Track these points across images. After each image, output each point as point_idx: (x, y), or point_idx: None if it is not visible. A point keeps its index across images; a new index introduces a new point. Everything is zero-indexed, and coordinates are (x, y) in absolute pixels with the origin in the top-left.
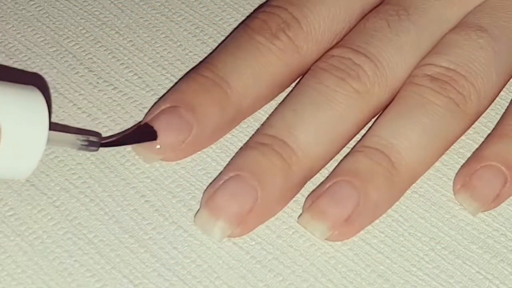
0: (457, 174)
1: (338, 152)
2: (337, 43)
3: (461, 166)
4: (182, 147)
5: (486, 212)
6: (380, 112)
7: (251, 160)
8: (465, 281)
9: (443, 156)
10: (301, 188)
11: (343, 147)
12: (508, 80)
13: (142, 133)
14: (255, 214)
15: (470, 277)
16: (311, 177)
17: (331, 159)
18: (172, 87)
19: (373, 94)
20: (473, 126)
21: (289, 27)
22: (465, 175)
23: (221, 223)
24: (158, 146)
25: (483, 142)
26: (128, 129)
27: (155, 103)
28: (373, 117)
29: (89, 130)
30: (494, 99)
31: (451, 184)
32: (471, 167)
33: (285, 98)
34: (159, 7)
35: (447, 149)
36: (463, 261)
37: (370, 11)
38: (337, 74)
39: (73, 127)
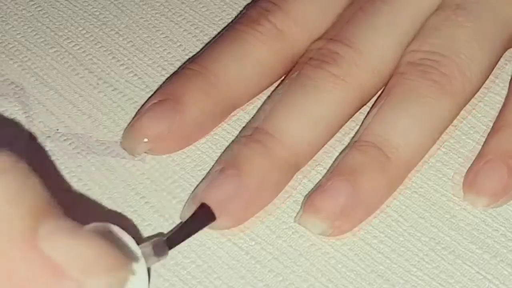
0: (464, 177)
1: (328, 138)
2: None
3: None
4: (169, 136)
5: (486, 212)
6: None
7: (232, 153)
8: (465, 281)
9: (443, 156)
10: (291, 176)
11: (333, 132)
12: (499, 56)
13: (201, 216)
14: (241, 203)
15: (470, 277)
16: (302, 164)
17: (322, 145)
18: None
19: (352, 76)
20: (473, 125)
21: (270, 12)
22: (470, 175)
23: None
24: (145, 140)
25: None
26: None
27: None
28: (363, 103)
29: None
30: (485, 76)
31: (451, 184)
32: (474, 167)
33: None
34: (159, 7)
35: (441, 132)
36: (463, 261)
37: None
38: (314, 64)
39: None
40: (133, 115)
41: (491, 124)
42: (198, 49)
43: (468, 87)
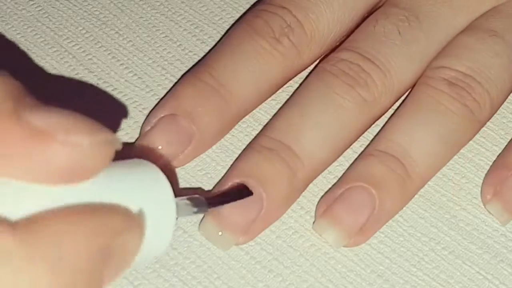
0: (484, 182)
1: (338, 158)
2: (340, 43)
3: (487, 173)
4: (181, 157)
5: (486, 212)
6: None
7: (256, 166)
8: (465, 281)
9: None
10: (304, 190)
11: (343, 152)
12: None
13: (239, 192)
14: (259, 222)
15: (470, 277)
16: (315, 178)
17: (331, 164)
18: (172, 88)
19: (379, 103)
20: None
21: (293, 32)
22: (495, 184)
23: (227, 234)
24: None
25: (505, 147)
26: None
27: (153, 108)
28: (376, 120)
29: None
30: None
31: (451, 184)
32: (500, 175)
33: (291, 98)
34: (159, 7)
35: (457, 153)
36: (463, 261)
37: (373, 10)
38: (346, 81)
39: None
40: (133, 115)
41: (491, 125)
42: (198, 49)
43: (491, 115)
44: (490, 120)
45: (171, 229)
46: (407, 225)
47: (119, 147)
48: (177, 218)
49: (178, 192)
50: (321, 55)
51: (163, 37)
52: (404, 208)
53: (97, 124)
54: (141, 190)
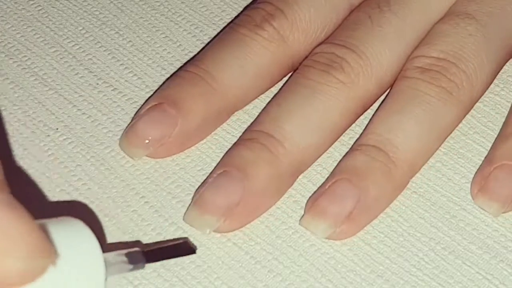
0: (472, 180)
1: (331, 144)
2: (326, 38)
3: (475, 172)
4: (169, 141)
5: (486, 213)
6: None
7: (237, 156)
8: (465, 282)
9: (443, 156)
10: (294, 180)
11: (336, 138)
12: (501, 66)
13: (181, 249)
14: (244, 206)
15: (470, 278)
16: (304, 169)
17: (324, 150)
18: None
19: (358, 84)
20: (473, 126)
21: (274, 17)
22: (481, 179)
23: (207, 216)
24: (146, 141)
25: (492, 144)
26: (164, 242)
27: (144, 103)
28: (365, 110)
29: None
30: (488, 85)
31: (451, 184)
32: (485, 170)
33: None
34: (159, 7)
35: (445, 137)
36: (463, 262)
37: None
38: (321, 68)
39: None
40: (133, 115)
41: (490, 125)
42: (198, 49)
43: (473, 95)
44: (490, 120)
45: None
46: (407, 225)
47: (54, 262)
48: (106, 279)
49: (115, 246)
50: (307, 45)
51: (163, 37)
52: (404, 208)
53: (43, 244)
54: (68, 252)
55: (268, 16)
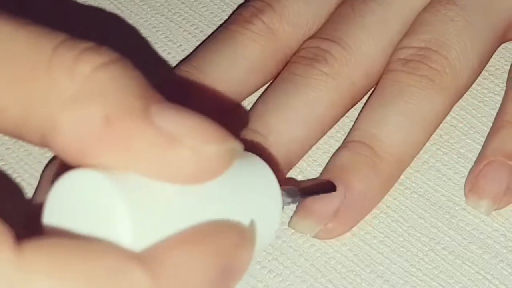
0: (465, 181)
1: (319, 137)
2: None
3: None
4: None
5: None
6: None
7: None
8: (465, 281)
9: (443, 156)
10: (285, 174)
11: (324, 131)
12: (492, 50)
13: (325, 187)
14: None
15: (470, 277)
16: (294, 163)
17: (312, 143)
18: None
19: (343, 75)
20: (473, 126)
21: (263, 12)
22: (471, 179)
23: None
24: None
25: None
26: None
27: None
28: (354, 103)
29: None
30: (476, 71)
31: (451, 184)
32: (475, 169)
33: None
34: (159, 7)
35: (434, 127)
36: (463, 261)
37: None
38: (305, 62)
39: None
40: None
41: (490, 125)
42: None
43: (458, 82)
44: (490, 120)
45: (276, 224)
46: (407, 225)
47: (242, 153)
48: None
49: None
50: (298, 37)
51: (163, 37)
52: (403, 208)
53: (225, 132)
54: (252, 190)
55: (258, 11)
